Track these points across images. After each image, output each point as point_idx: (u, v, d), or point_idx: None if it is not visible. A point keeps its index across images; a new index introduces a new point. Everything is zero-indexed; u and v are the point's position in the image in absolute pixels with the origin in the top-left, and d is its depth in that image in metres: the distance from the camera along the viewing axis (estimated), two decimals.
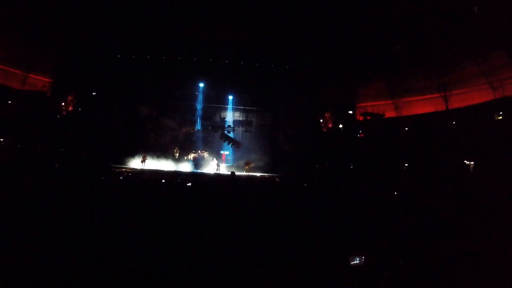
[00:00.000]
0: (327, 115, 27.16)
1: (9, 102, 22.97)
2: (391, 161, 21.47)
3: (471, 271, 3.43)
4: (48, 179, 8.52)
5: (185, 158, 24.83)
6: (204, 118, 27.49)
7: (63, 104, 25.08)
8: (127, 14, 21.72)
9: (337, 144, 25.27)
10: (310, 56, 25.42)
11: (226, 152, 27.00)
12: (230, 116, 28.05)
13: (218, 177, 17.45)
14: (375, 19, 20.80)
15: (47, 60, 25.38)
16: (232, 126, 27.65)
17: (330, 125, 27.05)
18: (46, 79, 25.95)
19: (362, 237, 4.36)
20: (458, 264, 3.56)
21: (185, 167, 22.94)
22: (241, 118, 28.61)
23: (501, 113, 19.28)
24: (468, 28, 18.84)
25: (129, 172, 16.34)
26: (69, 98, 25.10)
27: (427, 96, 24.60)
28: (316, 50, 24.82)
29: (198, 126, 27.40)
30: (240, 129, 28.33)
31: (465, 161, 19.01)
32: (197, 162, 23.92)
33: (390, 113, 26.89)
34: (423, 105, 24.78)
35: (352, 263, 3.30)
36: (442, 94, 23.00)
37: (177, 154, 24.97)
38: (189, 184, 9.92)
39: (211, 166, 23.55)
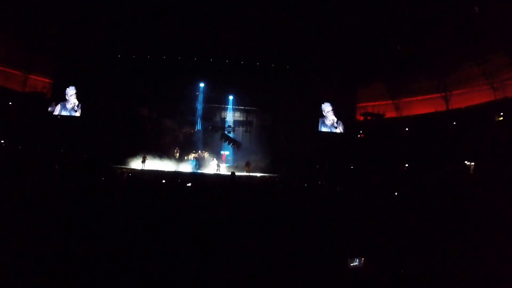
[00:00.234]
0: (327, 115, 27.12)
1: (10, 103, 23.00)
2: (391, 161, 21.46)
3: (471, 273, 3.43)
4: (49, 180, 8.53)
5: (186, 158, 24.83)
6: (204, 118, 27.45)
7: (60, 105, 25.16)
8: (127, 14, 21.74)
9: (337, 145, 25.28)
10: (310, 56, 25.42)
11: (226, 152, 26.97)
12: (231, 116, 28.02)
13: (218, 177, 17.46)
14: (376, 19, 20.79)
15: (47, 61, 25.41)
16: (232, 126, 27.61)
17: (330, 125, 27.02)
18: (46, 80, 25.98)
19: (361, 239, 4.35)
20: (458, 266, 3.56)
21: (186, 167, 22.94)
22: (241, 118, 28.58)
23: (501, 113, 19.26)
24: (469, 29, 18.82)
25: (130, 172, 16.35)
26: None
27: (427, 97, 24.57)
28: (317, 50, 24.82)
29: (198, 127, 27.36)
30: (240, 129, 28.30)
31: (465, 162, 18.99)
32: (197, 163, 23.92)
33: (390, 114, 26.88)
34: (423, 106, 24.74)
35: (351, 265, 3.30)
36: (443, 94, 22.97)
37: (178, 155, 24.96)
38: (189, 184, 9.94)
39: (211, 167, 23.54)
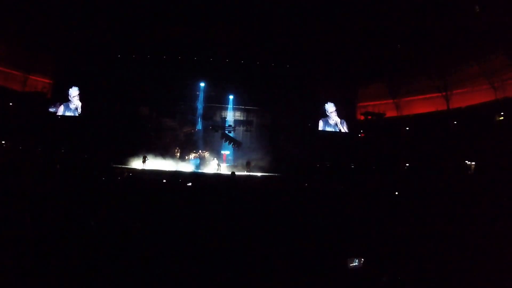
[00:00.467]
0: (330, 115, 27.12)
1: (10, 103, 23.02)
2: (391, 161, 21.45)
3: (470, 273, 3.43)
4: (50, 180, 8.54)
5: (186, 158, 24.85)
6: (204, 117, 27.47)
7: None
8: (127, 14, 21.73)
9: (338, 144, 25.28)
10: (311, 56, 25.40)
11: (227, 152, 26.99)
12: (231, 115, 28.04)
13: (218, 177, 17.46)
14: (376, 18, 20.74)
15: (47, 61, 25.42)
16: (232, 125, 27.64)
17: (334, 125, 27.04)
18: (46, 80, 26.00)
19: (361, 239, 4.35)
20: (458, 266, 3.55)
21: (187, 166, 22.95)
22: (241, 118, 28.58)
23: (502, 113, 19.24)
24: (470, 28, 18.77)
25: (130, 172, 16.37)
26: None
27: (428, 96, 24.56)
28: (317, 50, 24.79)
29: (199, 126, 27.37)
30: (240, 129, 28.29)
31: (466, 161, 18.98)
32: (198, 162, 23.95)
33: (391, 113, 26.86)
34: (424, 105, 24.73)
35: (350, 265, 3.29)
36: (443, 94, 22.96)
37: (178, 154, 24.98)
38: (189, 184, 9.95)
39: (212, 166, 23.56)
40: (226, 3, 20.54)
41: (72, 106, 25.37)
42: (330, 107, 27.09)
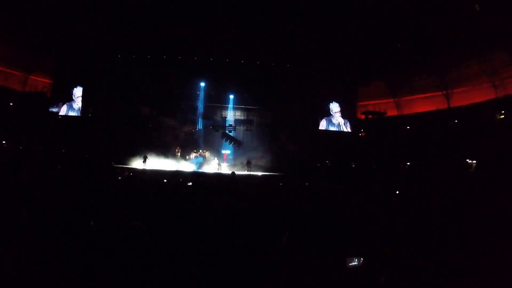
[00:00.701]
0: (334, 115, 27.08)
1: (10, 103, 23.04)
2: (392, 160, 21.42)
3: (470, 273, 3.42)
4: (50, 180, 8.54)
5: (187, 157, 24.87)
6: (205, 117, 27.48)
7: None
8: (127, 14, 21.74)
9: (338, 143, 25.25)
10: (311, 55, 25.37)
11: (227, 151, 27.00)
12: (231, 115, 28.04)
13: (219, 176, 17.46)
14: (377, 17, 20.73)
15: (47, 61, 25.43)
16: (233, 125, 27.64)
17: (337, 125, 27.01)
18: (46, 80, 26.01)
19: (360, 238, 4.34)
20: (457, 267, 3.55)
21: (187, 166, 22.96)
22: (242, 117, 28.58)
23: (503, 111, 19.22)
24: (470, 26, 18.75)
25: (131, 172, 16.39)
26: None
27: (428, 95, 24.54)
28: (317, 49, 24.77)
29: (199, 125, 27.38)
30: (241, 128, 28.30)
31: (467, 160, 18.95)
32: (199, 161, 23.97)
33: (391, 112, 26.83)
34: (424, 104, 24.71)
35: (349, 264, 3.29)
36: (444, 92, 22.93)
37: (179, 154, 25.00)
38: (190, 183, 9.94)
39: (212, 166, 23.57)
40: (226, 3, 20.54)
41: (75, 106, 25.41)
42: (335, 107, 26.97)
